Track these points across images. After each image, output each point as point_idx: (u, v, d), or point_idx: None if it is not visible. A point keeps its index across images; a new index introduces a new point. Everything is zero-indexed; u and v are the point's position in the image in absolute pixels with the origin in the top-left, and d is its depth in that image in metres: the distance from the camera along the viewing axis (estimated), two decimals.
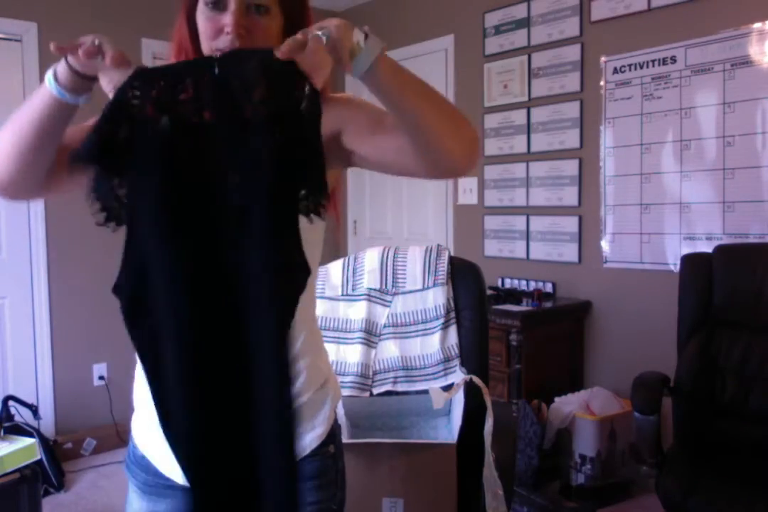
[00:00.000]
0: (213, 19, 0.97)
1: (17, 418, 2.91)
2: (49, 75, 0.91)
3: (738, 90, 2.60)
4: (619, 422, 2.68)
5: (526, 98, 3.34)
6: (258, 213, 0.90)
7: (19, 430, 2.81)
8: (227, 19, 0.95)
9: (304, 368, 1.03)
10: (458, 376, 1.62)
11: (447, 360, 1.87)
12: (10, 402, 2.89)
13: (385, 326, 2.00)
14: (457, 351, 1.88)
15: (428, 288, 1.97)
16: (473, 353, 1.92)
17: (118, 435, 3.44)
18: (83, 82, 0.91)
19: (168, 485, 1.03)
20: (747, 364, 2.16)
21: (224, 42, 0.96)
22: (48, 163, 0.96)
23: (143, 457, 1.05)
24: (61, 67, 0.91)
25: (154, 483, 1.04)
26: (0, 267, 3.28)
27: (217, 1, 0.95)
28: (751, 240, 2.59)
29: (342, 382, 1.85)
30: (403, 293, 2.03)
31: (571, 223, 3.18)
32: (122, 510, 2.58)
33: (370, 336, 2.00)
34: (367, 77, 0.97)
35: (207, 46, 0.98)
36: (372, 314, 2.02)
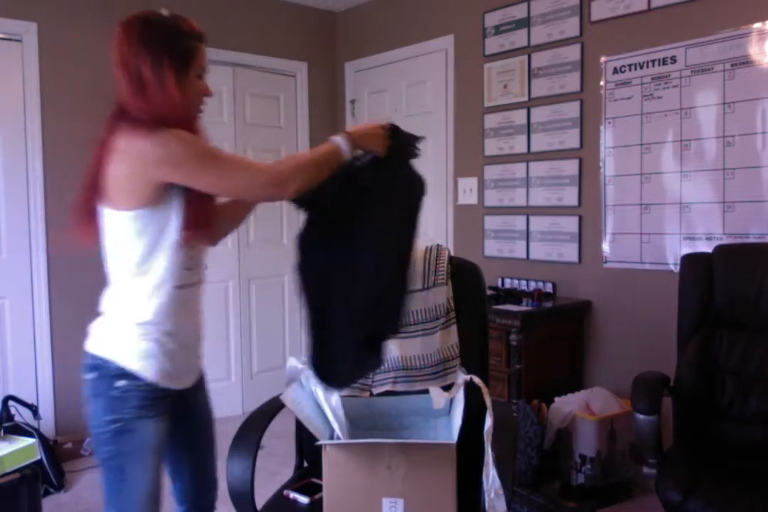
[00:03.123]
0: (200, 85, 1.50)
1: (17, 418, 2.91)
2: (347, 153, 1.53)
3: (738, 90, 2.60)
4: (619, 422, 2.68)
5: (526, 98, 3.34)
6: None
7: (19, 430, 2.81)
8: (206, 84, 1.51)
9: None
10: (458, 376, 1.62)
11: (447, 360, 1.87)
12: (10, 402, 2.89)
13: None
14: (457, 351, 1.88)
15: (428, 288, 1.97)
16: (473, 353, 1.92)
17: None
18: None
19: (165, 395, 1.47)
20: (747, 364, 2.16)
21: (202, 100, 1.52)
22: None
23: (147, 383, 1.44)
24: (349, 139, 1.53)
25: (158, 403, 1.46)
26: (0, 267, 3.28)
27: (201, 76, 1.49)
28: (751, 240, 2.59)
29: None
30: None
31: (571, 223, 3.18)
32: None
33: None
34: None
35: (196, 100, 1.51)
36: None
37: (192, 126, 1.47)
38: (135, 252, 1.45)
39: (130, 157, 1.39)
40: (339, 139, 1.49)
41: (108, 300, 1.53)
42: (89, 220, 1.54)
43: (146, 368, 1.44)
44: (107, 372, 1.44)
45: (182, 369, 1.52)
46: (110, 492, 1.48)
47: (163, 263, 1.44)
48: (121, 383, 1.43)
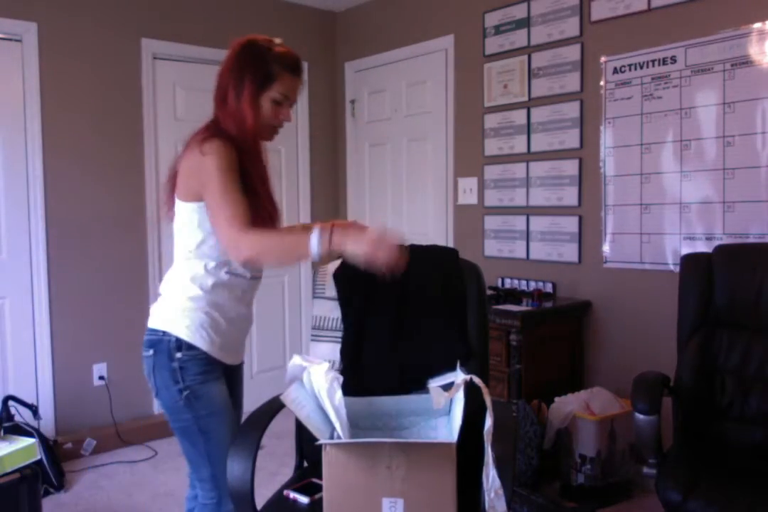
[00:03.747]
0: (274, 108, 1.65)
1: (17, 418, 2.91)
2: (315, 252, 1.48)
3: (738, 90, 2.60)
4: (619, 422, 2.68)
5: (526, 98, 3.34)
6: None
7: (19, 430, 2.81)
8: (286, 111, 1.68)
9: None
10: (458, 376, 1.62)
11: None
12: (10, 402, 2.89)
13: None
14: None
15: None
16: (473, 353, 1.92)
17: (118, 435, 3.44)
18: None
19: (219, 363, 1.67)
20: (747, 364, 2.16)
21: (278, 123, 1.69)
22: None
23: (202, 352, 1.62)
24: (330, 241, 1.48)
25: (210, 366, 1.64)
26: (0, 267, 3.28)
27: (280, 102, 1.65)
28: (751, 240, 2.59)
29: None
30: None
31: (571, 223, 3.18)
32: (122, 510, 2.59)
33: None
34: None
35: (267, 122, 1.66)
36: None
37: (254, 145, 1.64)
38: (194, 239, 1.63)
39: (190, 155, 1.59)
40: (314, 236, 1.47)
41: (166, 281, 1.72)
42: (170, 203, 1.70)
43: (198, 339, 1.62)
44: (165, 346, 1.61)
45: (230, 345, 1.71)
46: (198, 454, 1.64)
47: (219, 250, 1.62)
48: (179, 354, 1.61)
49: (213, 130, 1.61)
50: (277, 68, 1.62)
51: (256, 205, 1.60)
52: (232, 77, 1.62)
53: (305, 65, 4.29)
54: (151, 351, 1.64)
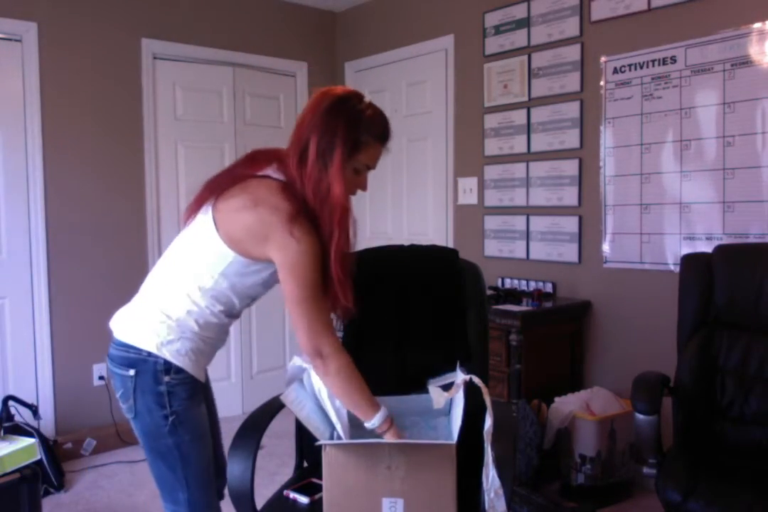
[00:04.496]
0: (354, 177, 1.51)
1: (17, 418, 2.91)
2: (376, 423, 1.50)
3: (738, 90, 2.60)
4: (619, 422, 2.68)
5: (526, 98, 3.34)
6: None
7: (19, 430, 2.81)
8: (364, 180, 1.55)
9: None
10: (458, 376, 1.62)
11: None
12: (10, 402, 2.89)
13: None
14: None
15: None
16: (473, 353, 1.92)
17: (118, 435, 3.44)
18: None
19: (197, 386, 1.57)
20: (747, 364, 2.16)
21: (354, 193, 1.53)
22: None
23: (189, 375, 1.53)
24: (384, 428, 1.50)
25: (195, 390, 1.56)
26: (0, 267, 3.28)
27: (361, 171, 1.51)
28: (751, 240, 2.59)
29: None
30: None
31: (571, 223, 3.18)
32: (122, 510, 2.58)
33: None
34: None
35: (352, 187, 1.51)
36: None
37: (341, 220, 1.46)
38: (211, 281, 1.51)
39: (261, 220, 1.42)
40: (377, 424, 1.49)
41: (152, 292, 1.59)
42: (194, 213, 1.55)
43: (187, 362, 1.53)
44: (151, 367, 1.50)
45: (206, 364, 1.64)
46: (174, 482, 1.56)
47: (232, 300, 1.55)
48: (167, 378, 1.51)
49: (297, 203, 1.42)
50: (367, 136, 1.47)
51: (330, 289, 1.47)
52: (317, 136, 1.43)
53: (305, 65, 4.30)
54: (131, 371, 1.51)
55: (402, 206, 4.08)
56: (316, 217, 1.44)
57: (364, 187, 1.55)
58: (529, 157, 3.35)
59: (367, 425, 1.49)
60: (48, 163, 3.35)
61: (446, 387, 1.58)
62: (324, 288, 1.47)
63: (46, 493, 2.89)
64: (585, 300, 3.12)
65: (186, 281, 1.53)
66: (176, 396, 1.52)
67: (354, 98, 1.51)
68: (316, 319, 1.45)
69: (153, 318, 1.54)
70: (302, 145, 1.45)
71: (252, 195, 1.45)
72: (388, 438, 1.49)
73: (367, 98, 1.55)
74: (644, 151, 2.90)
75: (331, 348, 1.46)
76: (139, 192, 3.64)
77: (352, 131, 1.45)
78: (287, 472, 2.10)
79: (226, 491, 1.67)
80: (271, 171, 1.51)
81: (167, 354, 1.50)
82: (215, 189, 1.52)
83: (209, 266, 1.50)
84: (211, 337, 1.58)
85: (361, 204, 4.35)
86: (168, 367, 1.50)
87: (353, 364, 1.50)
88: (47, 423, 3.30)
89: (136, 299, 1.62)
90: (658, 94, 2.84)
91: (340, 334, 1.99)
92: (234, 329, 4.02)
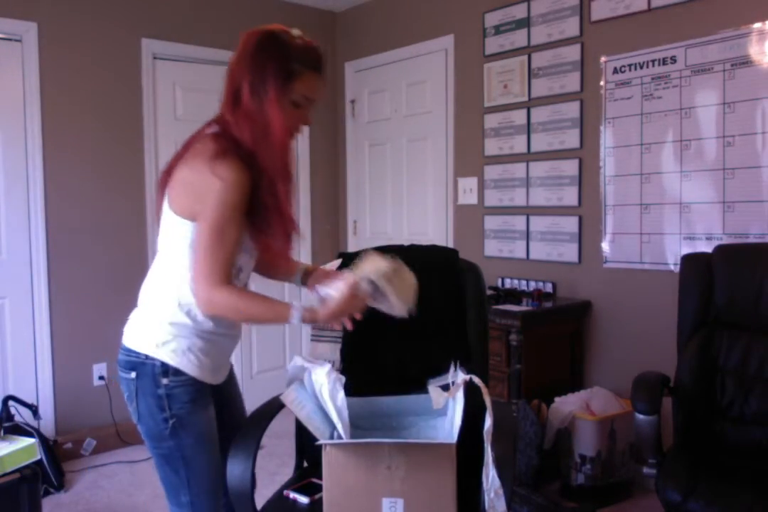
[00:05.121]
0: (295, 112, 1.45)
1: (17, 418, 2.91)
2: (296, 319, 1.43)
3: (738, 90, 2.60)
4: (619, 422, 2.68)
5: (526, 98, 3.34)
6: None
7: (19, 430, 2.81)
8: (306, 113, 1.48)
9: None
10: (458, 376, 1.62)
11: None
12: (10, 402, 2.89)
13: None
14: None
15: None
16: (473, 353, 1.92)
17: (118, 435, 3.44)
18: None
19: (202, 388, 1.52)
20: (747, 364, 2.16)
21: (299, 128, 1.49)
22: None
23: (190, 377, 1.49)
24: (308, 317, 1.44)
25: (199, 393, 1.52)
26: (0, 267, 3.28)
27: (301, 104, 1.46)
28: (751, 240, 2.59)
29: None
30: None
31: (571, 223, 3.18)
32: (122, 510, 2.58)
33: None
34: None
35: (293, 122, 1.46)
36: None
37: (280, 155, 1.43)
38: (184, 259, 1.46)
39: (198, 169, 1.40)
40: (295, 316, 1.42)
41: (147, 292, 1.56)
42: (161, 206, 1.54)
43: (186, 364, 1.48)
44: (150, 370, 1.48)
45: (219, 364, 1.58)
46: (178, 484, 1.54)
47: None
48: (165, 381, 1.47)
49: (225, 143, 1.39)
50: (299, 66, 1.41)
51: (274, 223, 1.43)
52: (248, 74, 1.40)
53: None
54: (132, 374, 1.49)
55: (402, 206, 4.08)
56: (254, 157, 1.39)
57: (307, 121, 1.48)
58: (529, 157, 3.35)
59: (294, 322, 1.43)
60: (48, 163, 3.35)
61: (446, 387, 1.58)
62: (259, 229, 1.44)
63: (46, 493, 2.89)
64: (585, 300, 3.12)
65: (169, 274, 1.50)
66: (176, 399, 1.48)
67: (281, 32, 1.44)
68: (219, 270, 1.39)
69: (148, 320, 1.52)
70: (235, 88, 1.42)
71: (186, 156, 1.45)
72: (323, 316, 1.44)
73: (297, 31, 1.46)
74: (644, 151, 2.90)
75: (224, 294, 1.41)
76: (139, 192, 3.64)
77: (283, 62, 1.40)
78: (287, 472, 2.10)
79: None
80: (209, 129, 1.48)
81: (164, 355, 1.47)
82: (167, 171, 1.52)
83: (181, 248, 1.46)
84: (210, 331, 1.51)
85: (361, 204, 4.36)
86: (166, 369, 1.47)
87: (242, 289, 1.49)
88: (47, 423, 3.30)
89: (138, 301, 1.60)
90: (658, 94, 2.84)
91: (340, 334, 1.99)
92: None
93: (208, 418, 1.56)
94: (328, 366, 1.54)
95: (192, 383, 1.50)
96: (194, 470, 1.53)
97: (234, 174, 1.36)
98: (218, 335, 1.54)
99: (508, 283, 3.42)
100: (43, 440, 2.94)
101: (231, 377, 1.71)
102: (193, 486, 1.54)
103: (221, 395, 1.65)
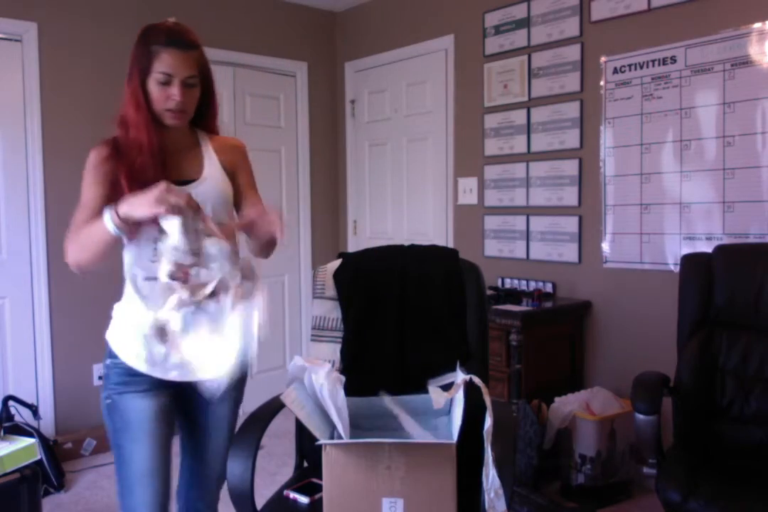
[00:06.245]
0: (163, 90, 1.49)
1: (17, 418, 2.91)
2: (111, 226, 1.43)
3: (738, 90, 2.60)
4: (619, 422, 2.68)
5: (526, 98, 3.34)
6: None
7: (19, 430, 2.81)
8: (174, 91, 1.49)
9: None
10: (458, 376, 1.62)
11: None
12: (10, 402, 2.89)
13: None
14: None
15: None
16: (473, 353, 1.92)
17: None
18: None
19: (139, 375, 1.53)
20: (747, 364, 2.16)
21: (171, 105, 1.50)
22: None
23: (122, 361, 1.54)
24: (116, 212, 1.42)
25: (137, 380, 1.53)
26: (0, 267, 3.28)
27: (166, 81, 1.49)
28: (751, 240, 2.59)
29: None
30: None
31: (571, 223, 3.18)
32: None
33: None
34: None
35: (159, 106, 1.51)
36: None
37: (136, 134, 1.51)
38: (123, 251, 1.62)
39: None
40: (105, 214, 1.44)
41: None
42: None
43: (120, 349, 1.56)
44: (106, 353, 1.60)
45: (150, 354, 1.51)
46: (115, 466, 1.57)
47: (129, 254, 1.62)
48: (108, 361, 1.58)
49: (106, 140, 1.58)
50: (155, 46, 1.48)
51: (127, 189, 1.47)
52: (128, 64, 1.54)
53: (305, 65, 4.29)
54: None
55: (402, 206, 4.08)
56: (119, 133, 1.55)
57: (175, 97, 1.50)
58: (529, 157, 3.35)
59: (107, 221, 1.44)
60: (48, 163, 3.35)
61: (446, 387, 1.58)
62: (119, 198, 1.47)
63: (46, 493, 2.89)
64: (585, 300, 3.12)
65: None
66: (109, 379, 1.57)
67: (154, 23, 1.57)
68: (74, 228, 1.56)
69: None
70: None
71: None
72: (126, 205, 1.40)
73: (171, 19, 1.58)
74: (644, 151, 2.90)
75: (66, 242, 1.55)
76: None
77: (142, 46, 1.50)
78: (287, 472, 2.10)
79: (223, 495, 1.67)
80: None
81: (109, 337, 1.60)
82: None
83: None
84: (131, 314, 1.57)
85: (361, 204, 4.36)
86: (109, 350, 1.58)
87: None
88: (47, 423, 3.30)
89: None
90: (658, 94, 2.84)
91: (340, 334, 1.99)
92: None
93: (141, 405, 1.54)
94: (328, 366, 1.54)
95: (124, 366, 1.55)
96: (121, 458, 1.55)
97: (93, 151, 1.56)
98: (135, 320, 1.54)
99: (508, 283, 3.42)
100: (43, 440, 2.94)
101: (216, 405, 1.66)
102: (120, 473, 1.55)
103: (183, 396, 1.62)
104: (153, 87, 1.49)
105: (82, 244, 1.53)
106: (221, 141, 1.69)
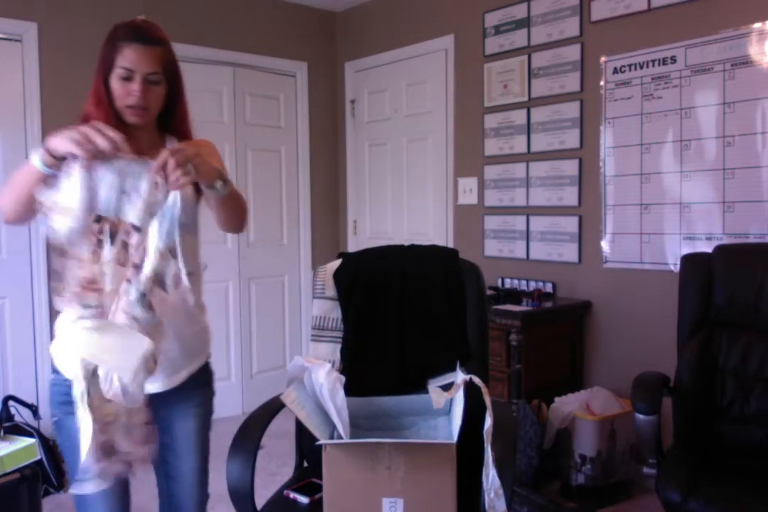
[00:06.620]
0: (125, 86, 1.45)
1: (17, 418, 2.91)
2: (38, 164, 1.41)
3: (738, 90, 2.60)
4: (619, 422, 2.68)
5: (526, 98, 3.34)
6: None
7: (19, 430, 2.81)
8: (135, 86, 1.45)
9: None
10: (458, 376, 1.62)
11: None
12: (10, 402, 2.89)
13: None
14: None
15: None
16: (473, 353, 1.92)
17: None
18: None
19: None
20: (747, 364, 2.16)
21: (131, 101, 1.46)
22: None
23: (67, 381, 1.36)
24: (43, 149, 1.39)
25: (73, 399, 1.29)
26: (0, 267, 3.28)
27: (128, 77, 1.45)
28: (751, 240, 2.59)
29: None
30: None
31: (571, 223, 3.18)
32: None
33: None
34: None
35: (120, 102, 1.46)
36: None
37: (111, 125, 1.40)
38: None
39: None
40: (33, 153, 1.38)
41: None
42: None
43: (56, 358, 1.45)
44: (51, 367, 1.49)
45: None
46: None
47: None
48: (52, 376, 1.46)
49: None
50: (119, 42, 1.46)
51: None
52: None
53: (305, 65, 4.29)
54: None
55: (402, 206, 4.08)
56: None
57: (135, 92, 1.45)
58: (529, 157, 3.35)
59: (34, 158, 1.42)
60: None
61: (446, 387, 1.58)
62: None
63: (46, 493, 2.89)
64: (585, 300, 3.12)
65: None
66: (54, 398, 1.45)
67: (123, 22, 1.54)
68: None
69: None
70: None
71: None
72: (54, 139, 1.37)
73: (140, 17, 1.58)
74: (644, 151, 2.90)
75: None
76: None
77: (108, 43, 1.48)
78: (287, 472, 2.10)
79: (223, 494, 1.66)
80: None
81: (51, 348, 1.48)
82: None
83: None
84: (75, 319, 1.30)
85: (361, 204, 4.36)
86: (52, 363, 1.47)
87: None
88: (47, 423, 3.30)
89: None
90: (658, 94, 2.84)
91: (340, 334, 1.99)
92: (234, 328, 4.03)
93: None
94: (328, 366, 1.54)
95: (65, 383, 1.38)
96: (72, 470, 1.48)
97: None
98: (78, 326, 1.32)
99: (508, 283, 3.42)
100: (43, 440, 2.94)
101: (187, 392, 1.54)
102: (76, 496, 1.48)
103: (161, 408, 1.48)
104: (115, 83, 1.46)
105: (11, 187, 1.47)
106: (189, 144, 1.58)
